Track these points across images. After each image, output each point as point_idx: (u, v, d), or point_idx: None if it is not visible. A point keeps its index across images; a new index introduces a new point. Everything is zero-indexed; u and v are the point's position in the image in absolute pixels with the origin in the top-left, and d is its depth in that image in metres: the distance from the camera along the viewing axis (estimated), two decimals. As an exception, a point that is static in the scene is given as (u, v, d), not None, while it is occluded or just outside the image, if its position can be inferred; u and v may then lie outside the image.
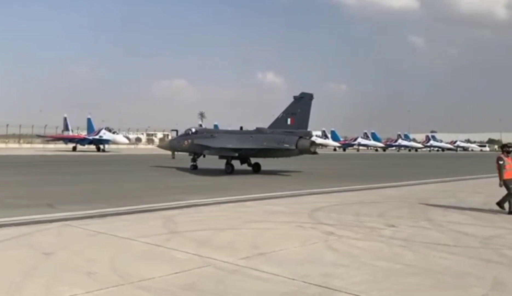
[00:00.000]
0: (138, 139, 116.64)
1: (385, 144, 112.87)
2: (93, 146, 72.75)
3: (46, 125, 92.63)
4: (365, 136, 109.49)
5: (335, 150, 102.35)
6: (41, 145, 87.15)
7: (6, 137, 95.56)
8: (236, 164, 28.80)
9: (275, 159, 29.70)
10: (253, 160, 29.55)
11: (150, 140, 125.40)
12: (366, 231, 10.09)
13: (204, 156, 29.55)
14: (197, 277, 6.45)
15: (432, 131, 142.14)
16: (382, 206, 13.99)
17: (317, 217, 11.78)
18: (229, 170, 27.68)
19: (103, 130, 71.30)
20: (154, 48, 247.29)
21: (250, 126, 31.84)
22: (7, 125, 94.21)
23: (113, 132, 72.12)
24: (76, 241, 8.64)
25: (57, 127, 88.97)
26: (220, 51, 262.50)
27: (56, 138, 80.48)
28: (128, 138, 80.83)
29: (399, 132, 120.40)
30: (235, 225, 10.70)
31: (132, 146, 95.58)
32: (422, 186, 22.01)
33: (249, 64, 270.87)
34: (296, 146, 26.81)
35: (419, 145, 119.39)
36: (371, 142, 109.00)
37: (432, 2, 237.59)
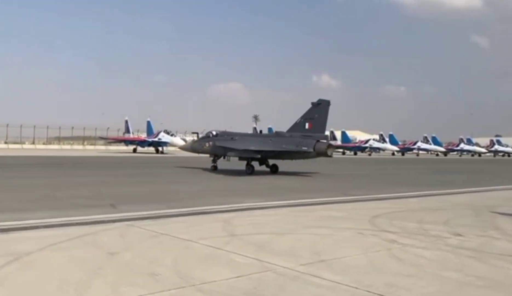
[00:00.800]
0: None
1: (446, 149, 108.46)
2: (152, 148, 75.32)
3: (108, 128, 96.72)
4: (425, 140, 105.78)
5: (393, 154, 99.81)
6: (103, 147, 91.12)
7: (71, 139, 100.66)
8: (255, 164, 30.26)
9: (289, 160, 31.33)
10: (271, 162, 31.20)
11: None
12: (431, 240, 9.63)
13: (224, 158, 31.13)
14: (257, 282, 6.38)
15: (496, 135, 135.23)
16: (447, 213, 13.36)
17: (379, 223, 11.41)
18: (250, 171, 29.43)
19: (162, 133, 73.59)
20: (210, 52, 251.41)
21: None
22: (72, 127, 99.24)
23: (171, 135, 74.18)
24: (139, 241, 8.82)
25: (118, 130, 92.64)
26: (274, 53, 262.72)
27: (117, 141, 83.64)
28: (185, 140, 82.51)
29: (461, 136, 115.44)
30: (293, 229, 10.56)
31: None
32: (488, 193, 20.90)
33: (304, 66, 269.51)
34: (314, 149, 28.70)
35: (483, 150, 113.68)
36: (432, 146, 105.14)
37: (496, 0, 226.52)
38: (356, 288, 6.20)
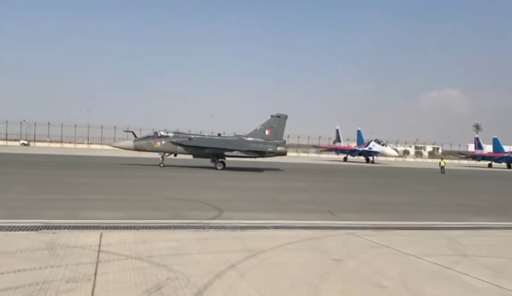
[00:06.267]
0: (406, 152, 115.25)
1: None
2: (362, 158, 75.74)
3: (320, 137, 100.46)
4: None
5: None
6: (315, 155, 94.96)
7: (285, 146, 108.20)
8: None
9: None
10: (219, 159, 37.23)
11: (418, 154, 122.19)
12: None
13: (175, 155, 37.47)
14: (499, 311, 5.75)
15: None
16: None
17: None
18: (221, 167, 36.21)
19: (373, 142, 73.41)
20: (422, 58, 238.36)
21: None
22: (288, 136, 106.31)
23: (382, 144, 73.51)
24: (361, 251, 8.82)
25: (329, 139, 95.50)
26: (498, 52, 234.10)
27: (329, 149, 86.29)
28: (396, 150, 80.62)
29: None
30: (536, 255, 9.23)
31: (400, 159, 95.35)
32: None
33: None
34: (276, 150, 37.73)
35: None
36: None
37: None
38: None
